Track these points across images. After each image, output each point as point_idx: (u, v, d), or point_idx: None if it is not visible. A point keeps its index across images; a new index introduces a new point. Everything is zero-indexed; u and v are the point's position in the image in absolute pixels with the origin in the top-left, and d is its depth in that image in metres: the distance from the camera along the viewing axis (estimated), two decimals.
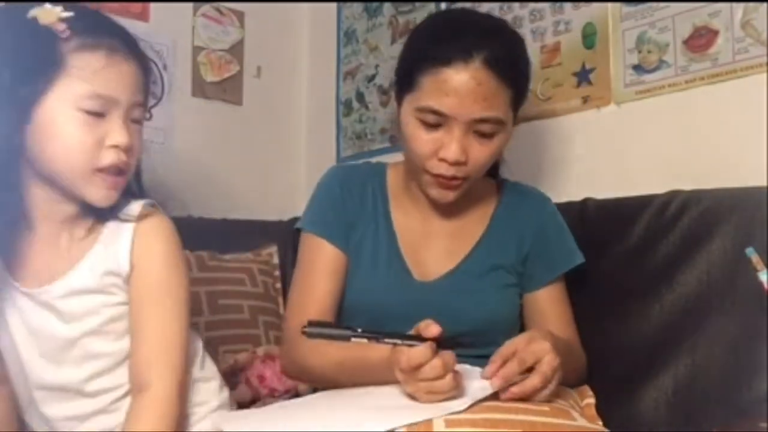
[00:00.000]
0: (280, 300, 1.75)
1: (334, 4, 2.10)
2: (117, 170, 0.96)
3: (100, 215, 1.01)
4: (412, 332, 0.92)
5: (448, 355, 0.89)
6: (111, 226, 1.01)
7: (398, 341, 0.91)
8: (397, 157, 1.29)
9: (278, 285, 1.76)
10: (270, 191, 2.08)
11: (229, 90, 2.02)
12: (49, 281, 0.99)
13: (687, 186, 1.22)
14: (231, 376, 1.43)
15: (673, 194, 1.22)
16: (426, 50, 1.09)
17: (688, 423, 1.09)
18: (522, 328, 1.22)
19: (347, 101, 2.04)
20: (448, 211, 1.22)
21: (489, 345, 1.12)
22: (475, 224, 1.23)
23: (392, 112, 1.90)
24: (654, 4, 1.35)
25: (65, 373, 0.99)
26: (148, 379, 0.98)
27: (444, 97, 1.06)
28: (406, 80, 1.12)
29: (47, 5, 0.92)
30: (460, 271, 1.19)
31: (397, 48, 1.89)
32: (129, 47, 0.96)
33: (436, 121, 1.08)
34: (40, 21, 0.91)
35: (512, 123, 1.13)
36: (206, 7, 1.99)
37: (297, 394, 1.41)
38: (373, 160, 1.32)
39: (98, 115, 0.92)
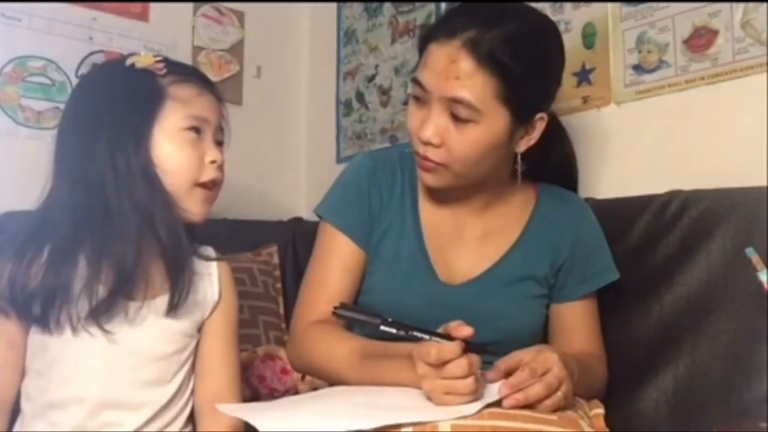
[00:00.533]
0: (280, 300, 1.75)
1: (334, 4, 2.10)
2: (212, 185, 1.09)
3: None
4: (440, 331, 0.91)
5: (475, 357, 0.88)
6: (194, 262, 1.10)
7: (426, 336, 0.90)
8: None
9: (278, 285, 1.76)
10: (270, 191, 2.08)
11: (229, 90, 2.01)
12: (151, 297, 1.04)
13: (687, 186, 1.22)
14: None
15: (673, 194, 1.22)
16: (431, 27, 1.11)
17: (688, 423, 1.09)
18: (545, 339, 1.18)
19: (347, 101, 2.04)
20: (481, 211, 1.18)
21: (508, 353, 1.11)
22: (509, 228, 1.18)
23: (392, 112, 1.91)
24: (654, 4, 1.35)
25: (126, 393, 1.02)
26: (225, 401, 1.05)
27: (425, 69, 1.06)
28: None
29: (142, 53, 1.09)
30: (488, 277, 1.15)
31: (397, 48, 1.91)
32: (207, 82, 1.12)
33: (420, 94, 1.07)
34: (138, 65, 1.07)
35: (508, 121, 1.05)
36: (206, 7, 1.99)
37: (297, 394, 1.41)
38: (407, 150, 1.22)
39: (197, 131, 1.07)
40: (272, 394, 1.45)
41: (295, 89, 2.18)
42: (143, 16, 1.85)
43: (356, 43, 2.02)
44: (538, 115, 1.09)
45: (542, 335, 1.19)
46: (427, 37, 1.08)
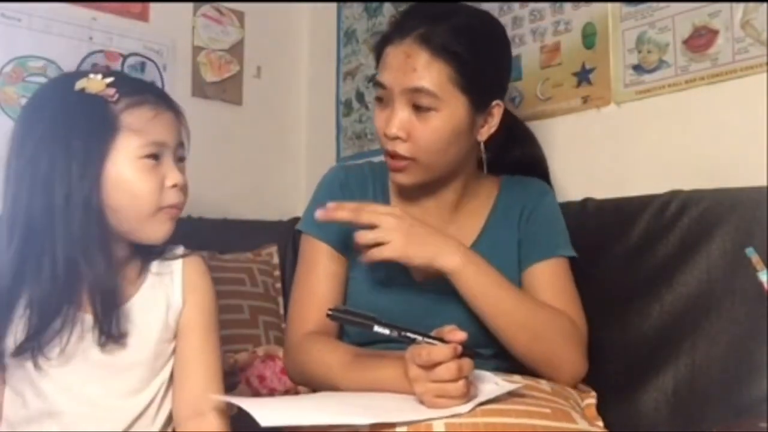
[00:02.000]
0: (280, 300, 1.75)
1: (334, 4, 2.10)
2: (174, 207, 1.05)
3: (146, 256, 1.07)
4: (433, 334, 0.92)
5: (466, 361, 0.89)
6: (157, 266, 1.08)
7: (419, 338, 0.91)
8: None
9: (278, 285, 1.76)
10: (270, 191, 2.09)
11: (229, 90, 2.02)
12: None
13: (687, 186, 1.23)
14: (231, 376, 1.43)
15: (673, 194, 1.22)
16: (383, 34, 1.17)
17: (688, 423, 1.09)
18: None
19: (347, 101, 2.04)
20: (451, 209, 1.21)
21: (487, 346, 1.12)
22: (472, 223, 1.22)
23: None
24: (654, 4, 1.35)
25: (94, 400, 1.01)
26: (204, 407, 1.03)
27: (383, 71, 1.12)
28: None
29: (92, 76, 1.02)
30: None
31: None
32: (164, 98, 1.06)
33: (382, 94, 1.13)
34: (89, 90, 1.00)
35: (467, 108, 1.10)
36: (206, 7, 1.99)
37: (297, 395, 1.41)
38: (375, 159, 1.30)
39: (155, 158, 1.02)
40: (272, 394, 1.45)
41: (295, 89, 2.18)
42: (143, 16, 1.85)
43: (356, 43, 2.02)
44: (494, 102, 1.15)
45: None
46: (382, 42, 1.15)
